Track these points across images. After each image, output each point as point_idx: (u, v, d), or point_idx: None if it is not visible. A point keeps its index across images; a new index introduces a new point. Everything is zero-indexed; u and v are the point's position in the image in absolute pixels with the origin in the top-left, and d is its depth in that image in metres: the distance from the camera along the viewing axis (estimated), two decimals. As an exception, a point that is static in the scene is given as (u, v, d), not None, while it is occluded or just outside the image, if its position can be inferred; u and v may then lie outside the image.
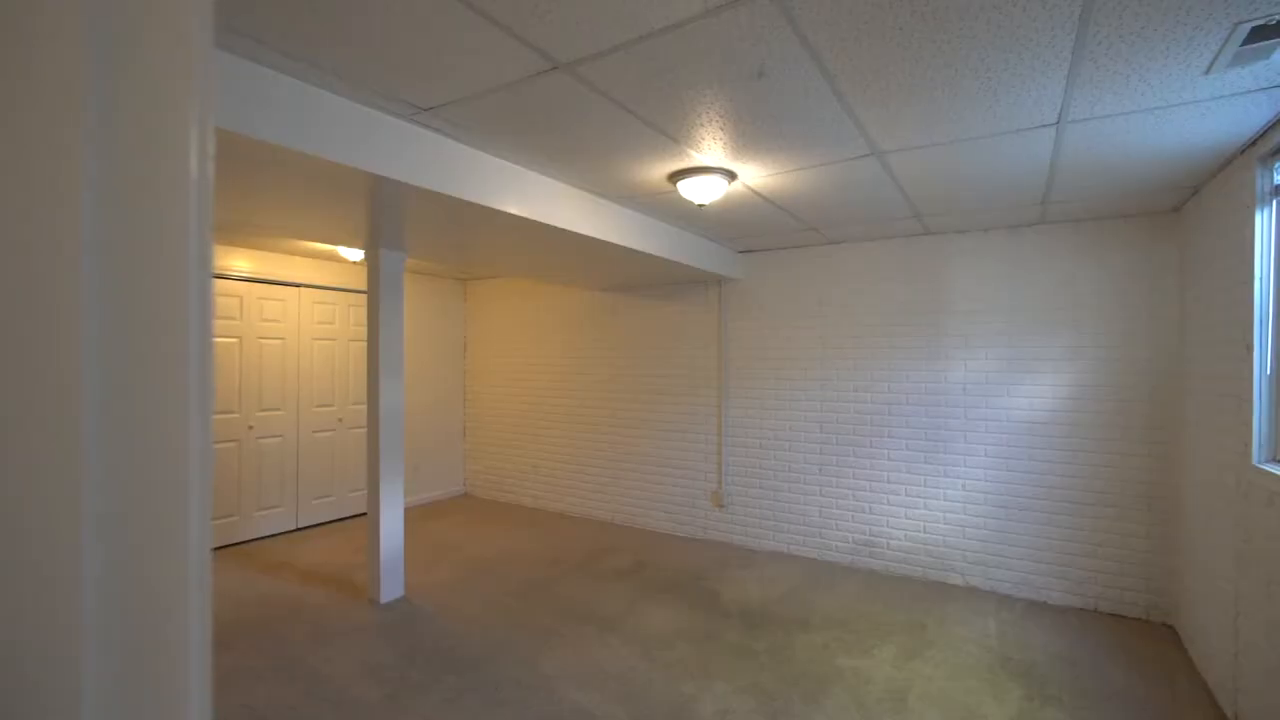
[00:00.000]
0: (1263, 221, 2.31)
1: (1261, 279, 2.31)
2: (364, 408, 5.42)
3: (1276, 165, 2.26)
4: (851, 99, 2.03)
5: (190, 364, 0.35)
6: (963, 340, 3.97)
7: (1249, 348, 2.34)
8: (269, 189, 2.51)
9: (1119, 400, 3.53)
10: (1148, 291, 3.46)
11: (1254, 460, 2.30)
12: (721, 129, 2.30)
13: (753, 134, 2.34)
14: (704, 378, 4.98)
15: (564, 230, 3.06)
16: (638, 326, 5.34)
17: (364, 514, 5.45)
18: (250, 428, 4.77)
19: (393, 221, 3.07)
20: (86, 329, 0.32)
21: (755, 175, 2.84)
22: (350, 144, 2.11)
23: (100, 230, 0.32)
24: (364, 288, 5.43)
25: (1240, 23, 1.54)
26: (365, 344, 5.37)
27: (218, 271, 4.54)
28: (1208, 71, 1.80)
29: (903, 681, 2.78)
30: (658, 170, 2.77)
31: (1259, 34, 1.59)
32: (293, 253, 4.85)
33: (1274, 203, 2.29)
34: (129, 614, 0.35)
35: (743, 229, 3.97)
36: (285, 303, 5.00)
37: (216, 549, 4.55)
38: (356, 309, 5.49)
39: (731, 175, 2.80)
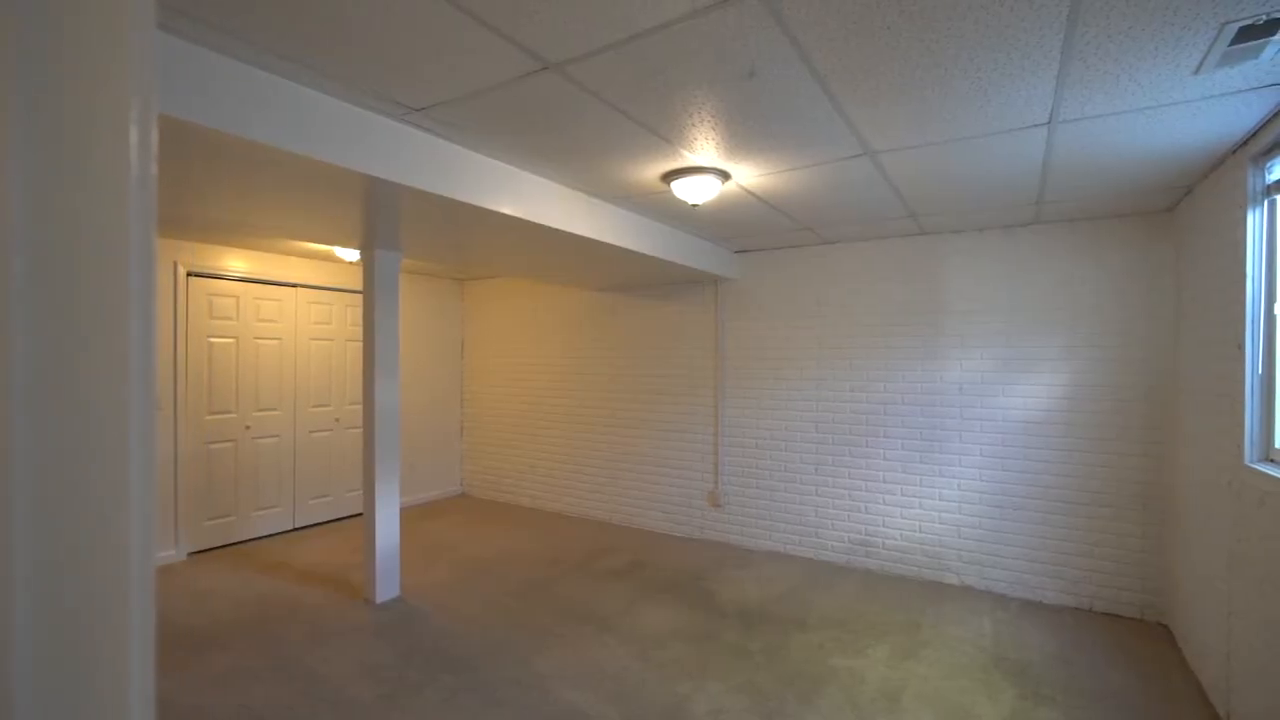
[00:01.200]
0: (1254, 221, 2.31)
1: (1253, 278, 2.31)
2: (361, 408, 5.42)
3: (1268, 165, 2.26)
4: (842, 99, 2.04)
5: (132, 367, 0.34)
6: (959, 340, 3.97)
7: (1240, 347, 2.35)
8: (265, 190, 2.52)
9: (1116, 400, 3.53)
10: (1146, 291, 3.45)
11: (1246, 460, 2.30)
12: (713, 129, 2.30)
13: (745, 134, 2.35)
14: (701, 378, 4.98)
15: (558, 230, 3.07)
16: (635, 327, 5.35)
17: (361, 514, 5.45)
18: (247, 428, 4.77)
19: (388, 222, 3.08)
20: (16, 332, 0.31)
21: (749, 175, 2.85)
22: (345, 144, 2.12)
23: (32, 230, 0.31)
24: (360, 288, 5.43)
25: (1228, 22, 1.55)
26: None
27: (215, 272, 4.55)
28: (1197, 71, 1.81)
29: (897, 681, 2.78)
30: (651, 170, 2.78)
31: (1247, 34, 1.59)
32: (289, 253, 4.86)
33: (1266, 202, 2.29)
34: (64, 622, 0.35)
35: (738, 229, 3.97)
36: (282, 303, 5.00)
37: (214, 549, 4.55)
38: (353, 309, 5.49)
39: (725, 175, 2.80)
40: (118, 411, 0.34)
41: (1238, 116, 2.13)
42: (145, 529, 0.36)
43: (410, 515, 5.56)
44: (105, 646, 0.36)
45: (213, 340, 4.59)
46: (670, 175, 2.81)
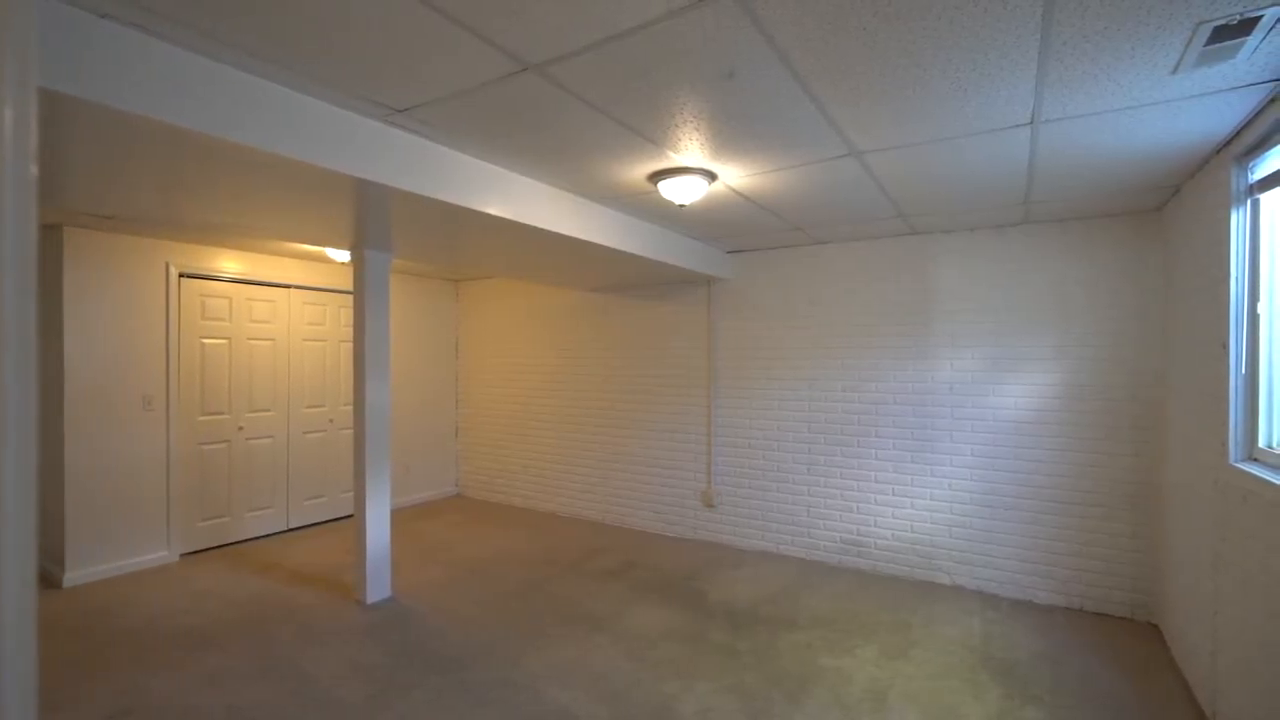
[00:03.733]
0: (1238, 220, 2.31)
1: (1237, 278, 2.31)
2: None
3: (1251, 164, 2.26)
4: (824, 99, 2.04)
5: (6, 372, 0.34)
6: (950, 340, 3.98)
7: (1225, 346, 2.35)
8: (257, 192, 2.54)
9: (1106, 400, 3.53)
10: (1138, 291, 3.45)
11: (1230, 459, 2.30)
12: (697, 130, 2.31)
13: (729, 134, 2.35)
14: (694, 378, 4.99)
15: (547, 231, 3.07)
16: (629, 327, 5.35)
17: (356, 515, 5.46)
18: (240, 429, 4.78)
19: (378, 223, 3.08)
20: None
21: (735, 176, 2.85)
22: (334, 147, 2.14)
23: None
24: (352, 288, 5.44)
25: (1202, 23, 1.55)
26: (356, 345, 5.38)
27: (208, 273, 4.55)
28: (1175, 71, 1.81)
29: (885, 681, 2.78)
30: (637, 171, 2.78)
31: (1222, 34, 1.59)
32: (281, 254, 4.86)
33: (1249, 201, 2.29)
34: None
35: (728, 229, 3.98)
36: (275, 304, 5.01)
37: (208, 550, 4.56)
38: (346, 310, 5.50)
39: (711, 176, 2.81)
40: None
41: (1219, 116, 2.14)
42: (21, 546, 0.35)
43: (405, 516, 5.57)
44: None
45: (205, 341, 4.59)
46: (657, 176, 2.82)
